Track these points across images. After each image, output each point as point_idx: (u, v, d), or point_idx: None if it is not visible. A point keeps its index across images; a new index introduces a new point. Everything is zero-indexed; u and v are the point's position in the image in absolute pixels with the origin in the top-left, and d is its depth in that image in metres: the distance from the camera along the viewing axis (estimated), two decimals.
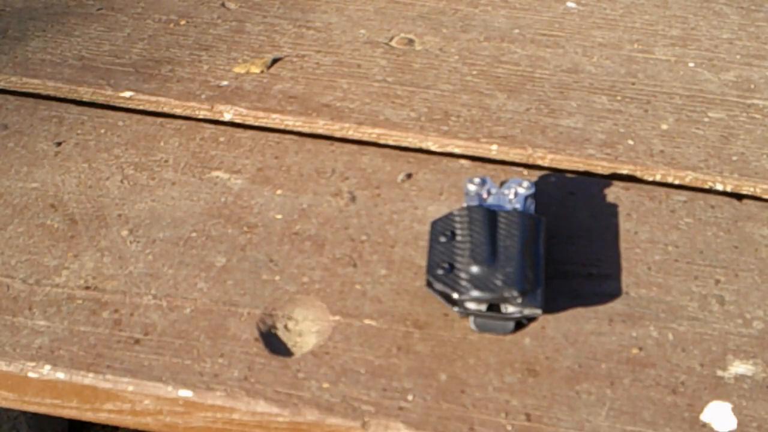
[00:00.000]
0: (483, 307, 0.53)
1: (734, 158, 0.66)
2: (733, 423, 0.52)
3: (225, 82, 0.71)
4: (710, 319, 0.57)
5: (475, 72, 0.72)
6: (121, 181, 0.64)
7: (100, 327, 0.55)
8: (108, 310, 0.56)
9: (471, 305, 0.53)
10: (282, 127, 0.68)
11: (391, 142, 0.67)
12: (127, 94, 0.70)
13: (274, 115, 0.69)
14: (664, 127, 0.68)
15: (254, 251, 0.60)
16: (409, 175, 0.65)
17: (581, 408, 0.52)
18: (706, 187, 0.64)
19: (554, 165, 0.66)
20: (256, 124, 0.68)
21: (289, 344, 0.55)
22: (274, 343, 0.55)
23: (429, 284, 0.54)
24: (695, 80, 0.72)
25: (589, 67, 0.73)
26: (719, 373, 0.54)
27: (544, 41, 0.76)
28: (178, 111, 0.69)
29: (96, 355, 0.54)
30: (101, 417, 0.55)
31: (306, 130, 0.68)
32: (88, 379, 0.53)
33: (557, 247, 0.60)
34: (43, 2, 0.79)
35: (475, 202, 0.58)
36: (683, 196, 0.64)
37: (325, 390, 0.53)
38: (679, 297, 0.58)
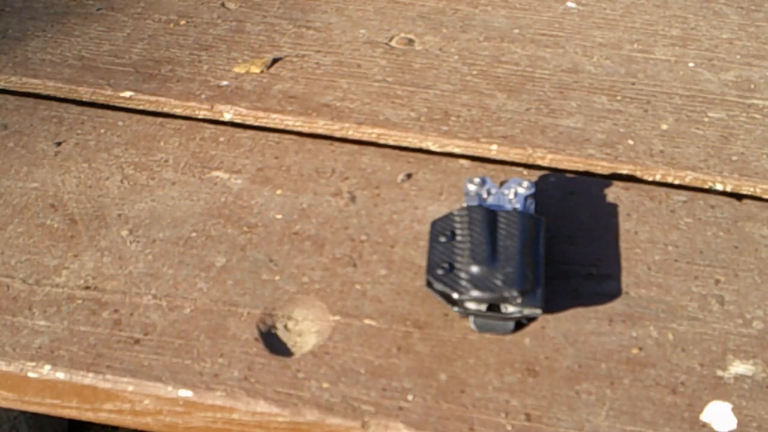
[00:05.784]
0: (483, 307, 0.53)
1: (734, 158, 0.66)
2: (733, 423, 0.52)
3: (225, 82, 0.71)
4: (710, 319, 0.57)
5: (475, 72, 0.72)
6: (121, 181, 0.64)
7: (100, 327, 0.55)
8: (108, 310, 0.56)
9: (471, 305, 0.53)
10: (282, 127, 0.68)
11: (391, 142, 0.67)
12: (127, 94, 0.70)
13: (274, 115, 0.69)
14: (664, 127, 0.68)
15: (254, 251, 0.60)
16: (409, 175, 0.65)
17: (581, 408, 0.52)
18: (706, 187, 0.64)
19: (554, 165, 0.66)
20: (256, 124, 0.68)
21: (289, 344, 0.55)
22: (274, 343, 0.55)
23: (429, 284, 0.54)
24: (695, 80, 0.72)
25: (589, 67, 0.73)
26: (719, 373, 0.54)
27: (544, 41, 0.76)
28: (178, 111, 0.69)
29: (96, 355, 0.54)
30: (101, 417, 0.55)
31: (306, 130, 0.68)
32: (88, 379, 0.53)
33: (557, 247, 0.60)
34: (43, 2, 0.79)
35: (475, 202, 0.58)
36: (683, 196, 0.64)
37: (325, 390, 0.53)
38: (679, 297, 0.58)
